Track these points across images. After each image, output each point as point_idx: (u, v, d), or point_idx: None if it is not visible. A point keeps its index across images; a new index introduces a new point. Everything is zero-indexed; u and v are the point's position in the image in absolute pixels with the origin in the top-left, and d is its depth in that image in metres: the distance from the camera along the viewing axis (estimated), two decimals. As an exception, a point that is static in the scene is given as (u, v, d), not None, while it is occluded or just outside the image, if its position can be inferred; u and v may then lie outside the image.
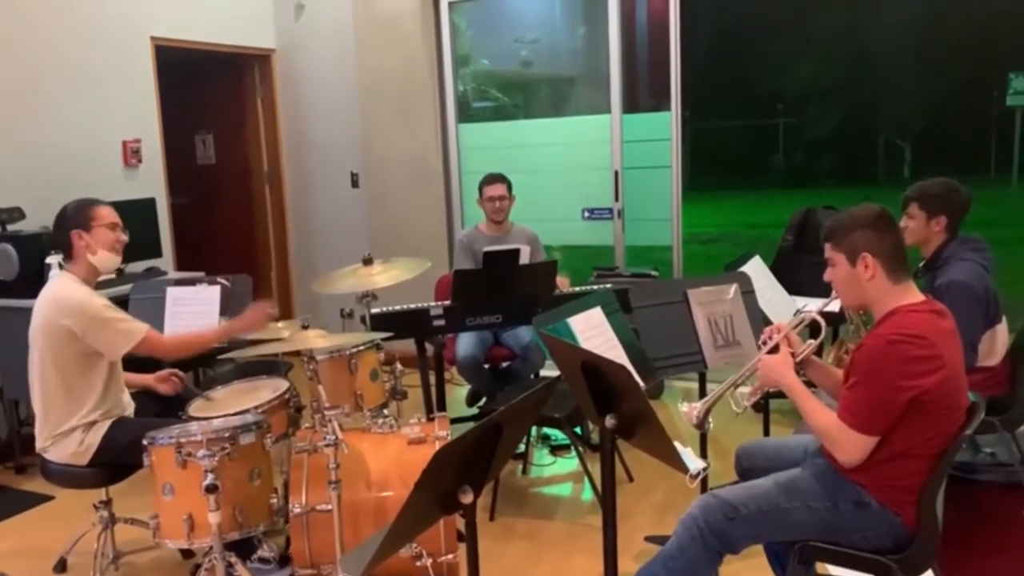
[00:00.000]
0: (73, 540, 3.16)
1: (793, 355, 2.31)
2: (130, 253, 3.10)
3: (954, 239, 3.17)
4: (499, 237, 4.36)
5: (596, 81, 5.76)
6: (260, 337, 2.87)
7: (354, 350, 3.17)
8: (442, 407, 3.90)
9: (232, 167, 6.31)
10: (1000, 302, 3.15)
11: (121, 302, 3.32)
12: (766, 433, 3.49)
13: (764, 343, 2.40)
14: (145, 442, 2.60)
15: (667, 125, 5.10)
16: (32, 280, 3.92)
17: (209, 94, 6.22)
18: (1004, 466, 3.52)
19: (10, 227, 4.23)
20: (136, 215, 4.42)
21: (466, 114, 6.16)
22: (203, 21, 5.46)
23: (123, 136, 5.02)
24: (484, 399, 4.41)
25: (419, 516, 1.72)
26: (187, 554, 3.19)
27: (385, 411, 3.25)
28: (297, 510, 2.73)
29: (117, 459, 2.86)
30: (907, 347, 1.99)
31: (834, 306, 2.48)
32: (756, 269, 3.25)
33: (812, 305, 2.46)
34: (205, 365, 4.02)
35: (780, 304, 3.26)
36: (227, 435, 2.56)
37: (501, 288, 3.67)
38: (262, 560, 2.93)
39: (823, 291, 2.38)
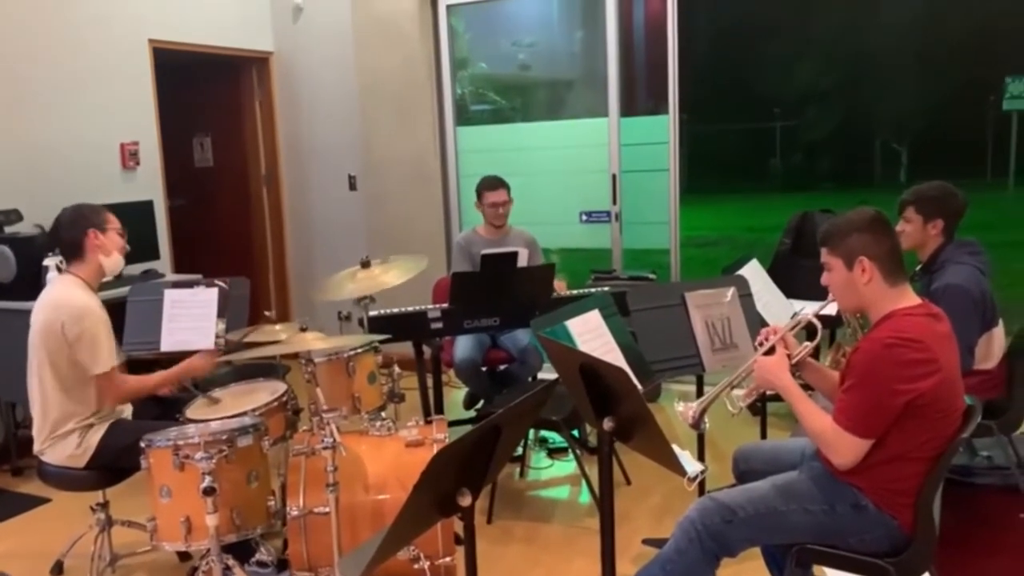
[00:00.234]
0: (70, 542, 3.15)
1: (789, 357, 2.31)
2: (127, 255, 3.12)
3: (951, 242, 3.18)
4: (497, 240, 4.36)
5: (594, 84, 5.77)
6: (257, 339, 2.88)
7: (352, 353, 3.17)
8: (440, 410, 3.90)
9: (230, 169, 6.31)
10: (996, 305, 3.16)
11: (118, 305, 3.32)
12: (763, 436, 3.49)
13: (760, 344, 2.40)
14: (142, 444, 2.60)
15: (665, 128, 5.11)
16: (29, 282, 3.92)
17: (207, 96, 6.22)
18: (1001, 469, 3.53)
19: (7, 229, 4.22)
20: (134, 217, 4.41)
21: (464, 117, 6.16)
22: (201, 24, 5.47)
23: (121, 138, 5.02)
24: (482, 402, 4.41)
25: (417, 519, 1.72)
26: (184, 556, 3.18)
27: (383, 414, 3.25)
28: (295, 513, 2.73)
29: (114, 461, 2.86)
30: (903, 350, 1.99)
31: (831, 309, 2.48)
32: (753, 272, 3.25)
33: (809, 308, 2.46)
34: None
35: (777, 307, 3.27)
36: (225, 437, 2.56)
37: (499, 291, 3.68)
38: (260, 563, 2.93)
39: (820, 294, 2.38)
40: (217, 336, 3.18)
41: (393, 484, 2.79)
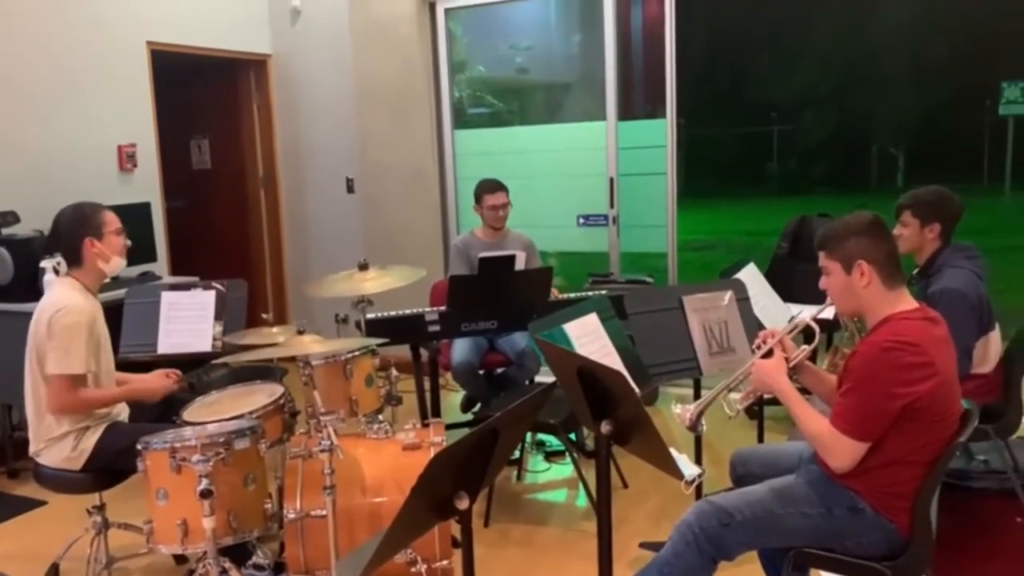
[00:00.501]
0: (66, 545, 3.14)
1: (787, 360, 2.31)
2: (127, 254, 3.10)
3: (947, 247, 3.19)
4: (495, 243, 4.36)
5: (591, 88, 5.78)
6: (255, 342, 2.87)
7: (349, 355, 3.17)
8: (437, 413, 3.89)
9: (228, 172, 6.31)
10: (993, 310, 3.16)
11: (116, 307, 3.32)
12: (760, 440, 3.49)
13: (758, 347, 2.40)
14: (139, 447, 2.59)
15: (662, 132, 5.12)
16: (26, 284, 3.92)
17: (205, 99, 6.22)
18: (997, 473, 3.53)
19: (4, 231, 4.21)
20: (131, 219, 4.36)
21: (462, 120, 6.16)
22: (199, 26, 5.47)
23: (118, 140, 5.01)
24: (479, 405, 4.40)
25: (414, 522, 1.72)
26: (181, 559, 3.17)
27: (380, 417, 3.24)
28: (292, 516, 2.72)
29: (111, 464, 2.85)
30: (900, 354, 2.00)
31: (828, 313, 2.49)
32: (751, 276, 3.26)
33: (806, 312, 2.47)
34: (199, 369, 4.01)
35: (775, 311, 3.27)
36: (222, 440, 2.56)
37: (497, 294, 3.68)
38: (256, 567, 2.92)
39: (818, 298, 2.38)
40: (214, 339, 3.18)
41: (390, 487, 2.79)
